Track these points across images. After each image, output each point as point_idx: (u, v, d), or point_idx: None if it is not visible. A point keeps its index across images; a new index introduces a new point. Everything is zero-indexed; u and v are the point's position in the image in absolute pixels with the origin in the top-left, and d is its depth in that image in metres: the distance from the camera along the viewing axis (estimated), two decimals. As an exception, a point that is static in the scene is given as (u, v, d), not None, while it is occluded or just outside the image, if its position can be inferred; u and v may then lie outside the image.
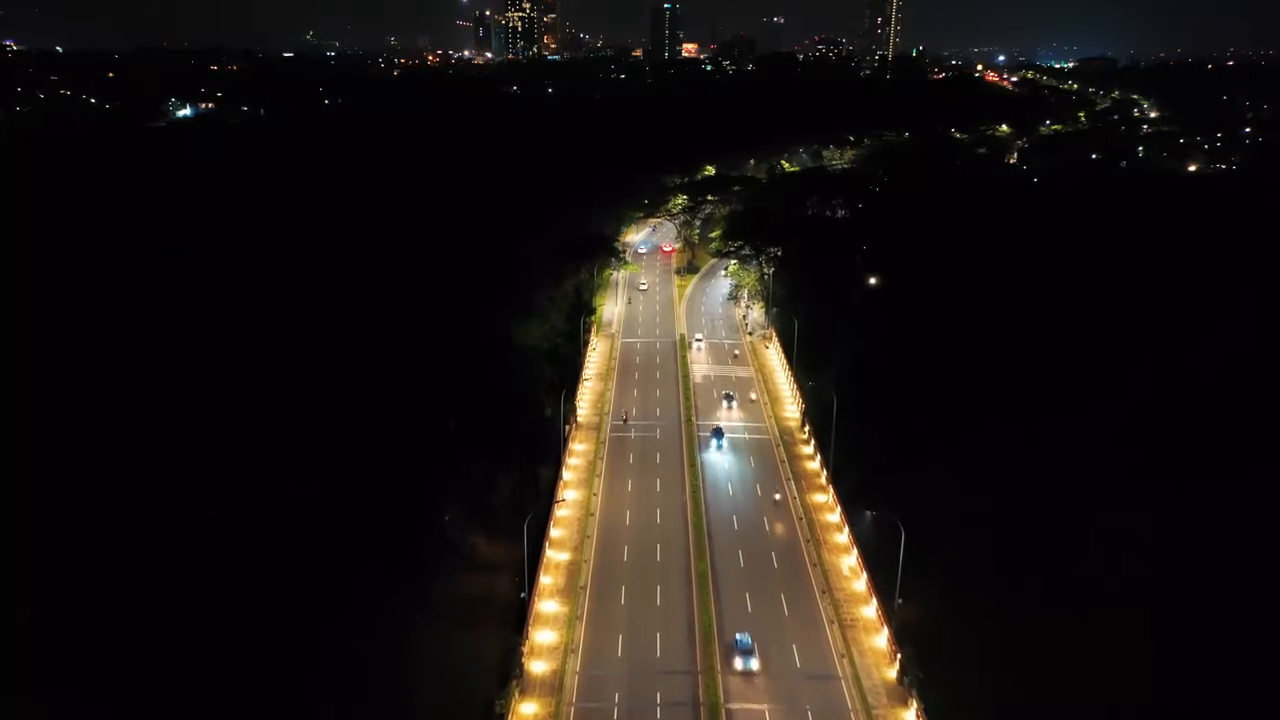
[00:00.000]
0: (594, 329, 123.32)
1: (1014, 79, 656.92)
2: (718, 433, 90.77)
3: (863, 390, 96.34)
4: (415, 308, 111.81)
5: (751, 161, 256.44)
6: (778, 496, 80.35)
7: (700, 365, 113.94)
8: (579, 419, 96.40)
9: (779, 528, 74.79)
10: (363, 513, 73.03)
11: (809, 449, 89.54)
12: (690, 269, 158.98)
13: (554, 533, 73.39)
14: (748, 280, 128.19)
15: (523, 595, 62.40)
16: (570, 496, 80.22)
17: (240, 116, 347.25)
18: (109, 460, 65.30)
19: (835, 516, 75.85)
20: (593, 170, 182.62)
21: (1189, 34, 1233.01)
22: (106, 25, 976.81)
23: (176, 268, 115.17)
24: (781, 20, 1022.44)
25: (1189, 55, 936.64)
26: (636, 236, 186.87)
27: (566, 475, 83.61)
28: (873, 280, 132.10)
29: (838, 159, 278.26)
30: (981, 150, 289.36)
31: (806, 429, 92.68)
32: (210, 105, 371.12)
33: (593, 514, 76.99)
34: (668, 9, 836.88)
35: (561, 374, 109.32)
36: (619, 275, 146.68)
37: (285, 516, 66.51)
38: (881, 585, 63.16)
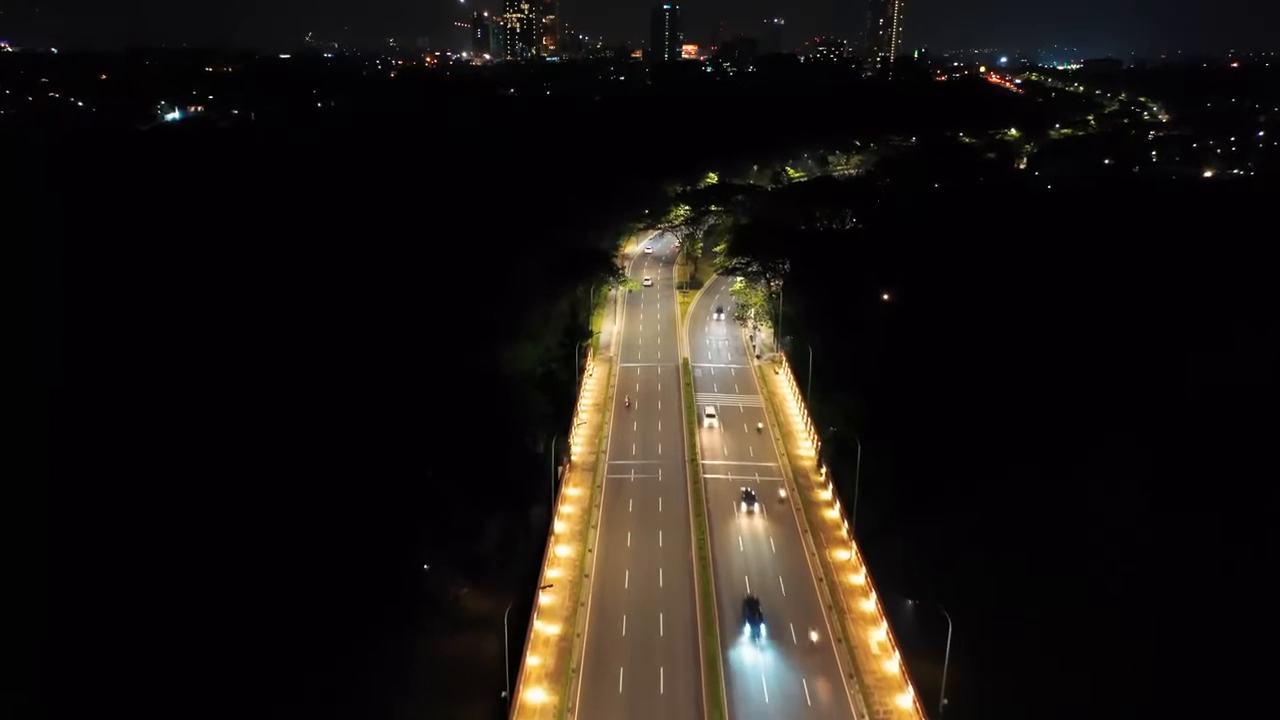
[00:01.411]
0: (590, 353, 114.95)
1: (1018, 81, 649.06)
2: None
3: (879, 418, 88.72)
4: (400, 331, 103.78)
5: (755, 167, 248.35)
6: (794, 552, 72.26)
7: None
8: (573, 458, 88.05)
9: (797, 592, 66.39)
10: (334, 562, 65.60)
11: (826, 493, 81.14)
12: (693, 284, 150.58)
13: (543, 599, 64.98)
14: (755, 300, 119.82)
15: (504, 695, 53.94)
16: (562, 553, 71.87)
17: (231, 119, 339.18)
18: (74, 494, 64.34)
19: (860, 578, 67.51)
20: (591, 178, 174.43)
21: (1185, 34, 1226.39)
22: (106, 26, 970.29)
23: (135, 282, 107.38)
24: (782, 21, 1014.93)
25: (1189, 56, 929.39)
26: (636, 247, 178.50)
27: (558, 526, 75.26)
28: (887, 296, 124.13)
29: (843, 165, 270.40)
30: (990, 155, 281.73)
31: (823, 470, 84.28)
32: (200, 108, 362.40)
33: (587, 575, 68.65)
34: (667, 10, 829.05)
35: (555, 402, 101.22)
36: (618, 291, 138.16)
37: (250, 566, 60.87)
38: (919, 674, 54.85)
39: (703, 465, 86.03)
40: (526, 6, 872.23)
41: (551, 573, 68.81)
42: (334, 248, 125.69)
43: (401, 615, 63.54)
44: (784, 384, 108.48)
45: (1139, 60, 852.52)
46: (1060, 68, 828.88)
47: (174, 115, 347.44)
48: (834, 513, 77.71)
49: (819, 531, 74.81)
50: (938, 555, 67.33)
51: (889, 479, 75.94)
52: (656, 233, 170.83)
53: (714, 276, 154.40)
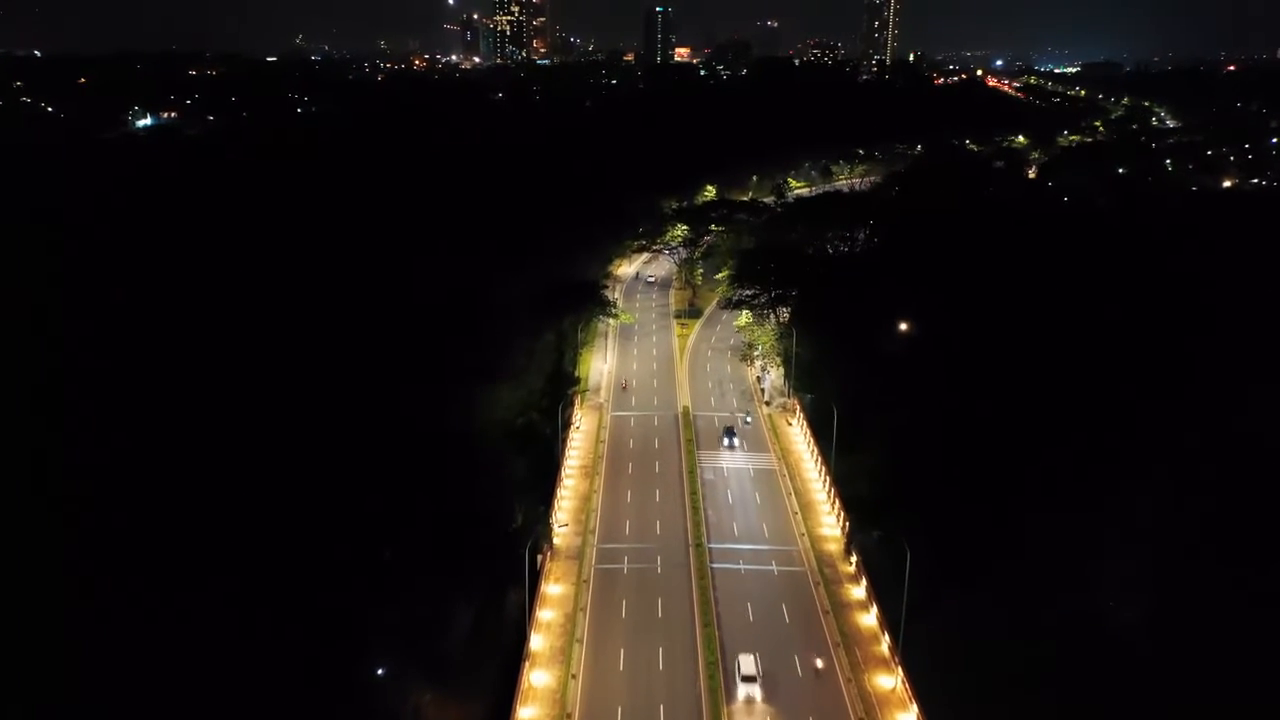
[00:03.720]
0: (577, 400, 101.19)
1: (1016, 84, 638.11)
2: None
3: (910, 478, 76.19)
4: (358, 376, 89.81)
5: (754, 178, 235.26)
6: (820, 664, 58.76)
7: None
8: (555, 542, 74.22)
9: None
10: (266, 667, 52.81)
11: (859, 590, 67.50)
12: (691, 312, 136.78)
13: (513, 758, 51.24)
14: (763, 339, 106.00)
15: None
16: (539, 681, 58.10)
17: (203, 126, 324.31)
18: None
19: (910, 718, 53.97)
20: (579, 193, 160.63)
21: (1176, 37, 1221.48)
22: (99, 30, 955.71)
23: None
24: (776, 24, 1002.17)
25: (1181, 59, 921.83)
26: (629, 268, 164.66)
27: (535, 641, 61.44)
28: (905, 326, 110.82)
29: (847, 174, 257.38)
30: (999, 163, 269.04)
31: (854, 560, 70.61)
32: (173, 114, 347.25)
33: (569, 716, 54.83)
34: (660, 12, 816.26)
35: (537, 463, 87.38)
36: (609, 324, 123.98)
37: (169, 674, 50.20)
38: None
39: (709, 549, 72.41)
40: (517, 9, 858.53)
41: (524, 712, 55.03)
42: (277, 274, 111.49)
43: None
44: (798, 437, 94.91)
45: (1137, 63, 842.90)
46: (1058, 71, 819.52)
47: (145, 122, 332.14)
48: (870, 618, 64.08)
49: (853, 645, 61.14)
50: (998, 675, 54.19)
51: (927, 558, 63.17)
52: (652, 253, 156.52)
53: (715, 300, 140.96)
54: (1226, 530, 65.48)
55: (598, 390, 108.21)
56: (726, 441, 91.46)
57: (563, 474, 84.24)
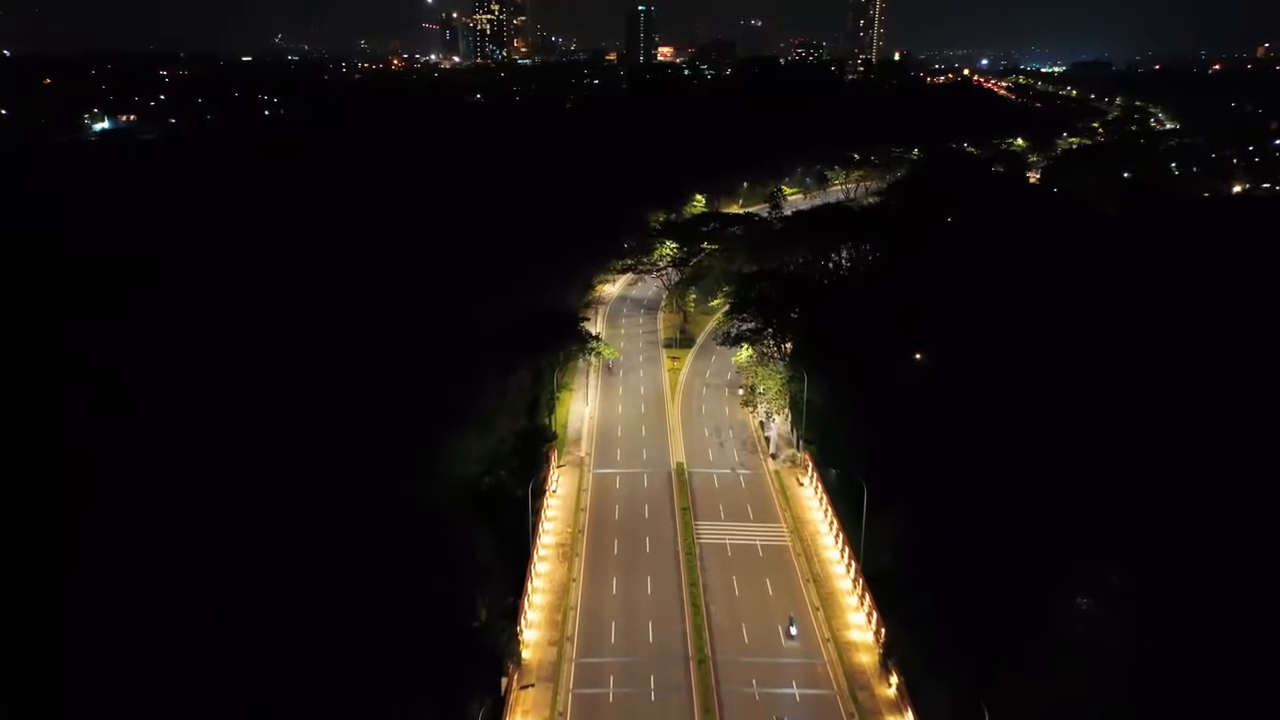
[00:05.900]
0: (554, 455, 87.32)
1: (1006, 84, 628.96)
2: None
3: (939, 543, 63.90)
4: (292, 424, 75.59)
5: (745, 184, 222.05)
6: None
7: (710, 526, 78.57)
8: (525, 655, 60.32)
9: None
10: None
11: (904, 724, 54.00)
12: (683, 341, 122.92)
13: None
14: (769, 383, 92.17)
15: None
16: None
17: (164, 129, 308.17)
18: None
19: None
20: (558, 208, 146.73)
21: (1157, 35, 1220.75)
22: (78, 27, 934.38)
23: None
24: (760, 23, 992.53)
25: (1165, 58, 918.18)
26: (613, 288, 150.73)
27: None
28: (921, 359, 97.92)
29: (842, 180, 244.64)
30: (999, 168, 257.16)
31: (893, 681, 57.05)
32: (132, 117, 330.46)
33: None
34: (643, 11, 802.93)
35: (506, 540, 73.31)
36: (590, 359, 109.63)
37: None
38: None
39: (714, 662, 58.79)
40: (497, 7, 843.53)
41: None
42: (202, 299, 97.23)
43: None
44: (811, 501, 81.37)
45: (1127, 63, 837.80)
46: (1044, 70, 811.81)
47: (103, 125, 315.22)
48: (922, 768, 50.56)
49: (904, 812, 47.63)
50: None
51: (966, 647, 50.57)
52: (639, 274, 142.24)
53: (709, 326, 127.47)
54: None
55: (577, 440, 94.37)
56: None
57: (535, 557, 70.31)
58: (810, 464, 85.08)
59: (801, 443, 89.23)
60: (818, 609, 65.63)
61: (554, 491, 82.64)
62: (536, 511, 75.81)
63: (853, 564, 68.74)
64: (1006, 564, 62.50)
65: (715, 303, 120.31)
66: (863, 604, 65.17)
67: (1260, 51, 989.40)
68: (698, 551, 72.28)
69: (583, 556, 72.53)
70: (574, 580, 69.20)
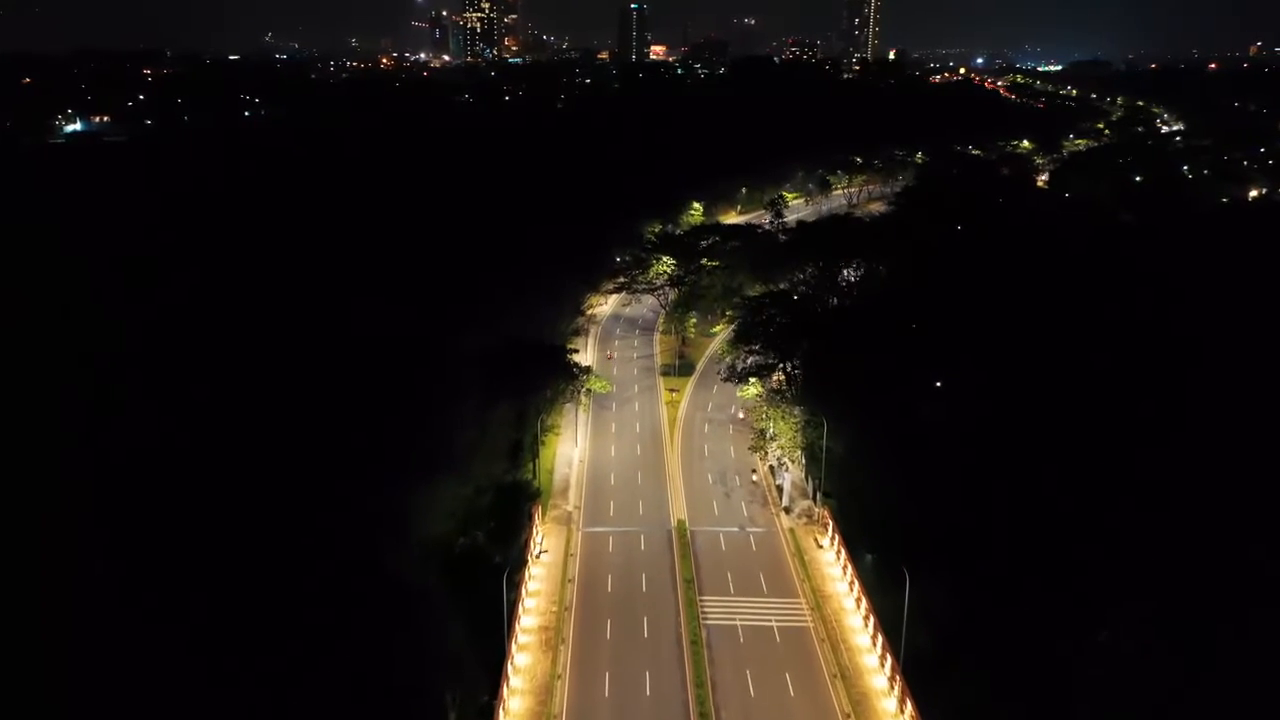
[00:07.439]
0: (538, 513, 76.71)
1: (1004, 83, 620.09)
2: None
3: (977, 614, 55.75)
4: (252, 484, 64.88)
5: (743, 190, 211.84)
6: None
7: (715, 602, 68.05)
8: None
9: None
10: None
11: None
12: (681, 369, 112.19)
13: None
14: (783, 429, 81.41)
15: None
16: None
17: (139, 131, 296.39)
18: None
19: None
20: (545, 221, 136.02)
21: (1150, 33, 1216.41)
22: (78, 27, 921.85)
23: None
24: (753, 21, 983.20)
25: (1158, 56, 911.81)
26: (605, 307, 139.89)
27: None
28: (942, 389, 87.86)
29: (844, 185, 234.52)
30: (1006, 171, 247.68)
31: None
32: (105, 118, 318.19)
33: None
34: (635, 9, 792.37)
35: (479, 616, 62.59)
36: (579, 396, 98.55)
37: None
38: None
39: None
40: (487, 6, 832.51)
41: None
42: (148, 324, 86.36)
43: None
44: (834, 569, 70.86)
45: (1126, 62, 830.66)
46: (1041, 69, 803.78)
47: (74, 127, 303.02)
48: None
49: None
50: None
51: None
52: (633, 294, 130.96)
53: (709, 349, 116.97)
54: None
55: (564, 491, 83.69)
56: None
57: (512, 649, 59.69)
58: (830, 522, 74.63)
59: (820, 496, 78.74)
60: (849, 717, 55.12)
61: (537, 557, 71.99)
62: (516, 586, 65.32)
63: (888, 657, 58.32)
64: (1057, 637, 53.67)
65: (716, 330, 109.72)
66: (903, 710, 54.71)
67: (1253, 49, 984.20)
68: (704, 637, 61.72)
69: (569, 644, 61.93)
70: (559, 677, 58.59)
